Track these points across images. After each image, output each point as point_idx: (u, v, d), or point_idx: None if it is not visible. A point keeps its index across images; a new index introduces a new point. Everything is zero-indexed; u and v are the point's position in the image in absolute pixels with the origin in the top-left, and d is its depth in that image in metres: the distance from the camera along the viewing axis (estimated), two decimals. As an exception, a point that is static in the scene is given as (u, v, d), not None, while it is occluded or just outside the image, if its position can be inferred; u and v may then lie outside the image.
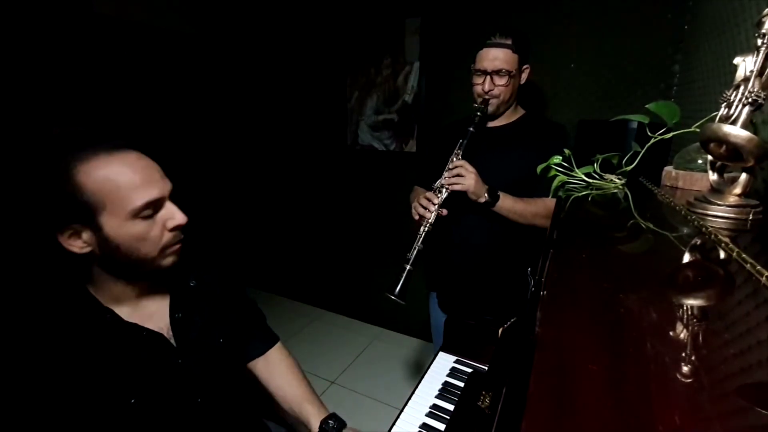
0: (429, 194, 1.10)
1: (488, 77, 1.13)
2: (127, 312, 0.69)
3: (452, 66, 1.97)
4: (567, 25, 1.66)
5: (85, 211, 0.58)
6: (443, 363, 1.04)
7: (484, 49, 1.12)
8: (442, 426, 0.84)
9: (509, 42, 1.11)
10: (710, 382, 0.23)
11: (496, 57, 1.11)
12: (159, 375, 0.69)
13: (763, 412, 0.20)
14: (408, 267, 1.05)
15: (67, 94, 1.79)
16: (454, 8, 1.90)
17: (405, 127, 2.18)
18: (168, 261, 0.67)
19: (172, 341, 0.72)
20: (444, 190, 1.09)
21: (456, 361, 1.04)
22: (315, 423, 0.81)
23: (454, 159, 1.12)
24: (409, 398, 0.92)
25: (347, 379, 2.04)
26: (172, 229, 0.64)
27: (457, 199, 1.11)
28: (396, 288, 1.03)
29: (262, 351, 0.92)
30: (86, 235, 0.60)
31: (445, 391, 0.94)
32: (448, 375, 0.99)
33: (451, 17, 1.92)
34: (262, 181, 2.75)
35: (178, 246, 0.67)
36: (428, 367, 1.03)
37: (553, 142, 1.11)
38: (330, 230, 2.58)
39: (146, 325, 0.69)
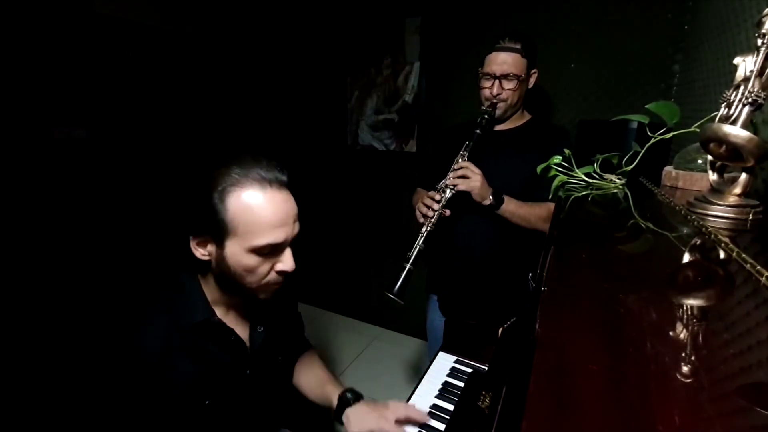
0: (432, 193, 1.10)
1: (497, 81, 1.12)
2: (221, 316, 0.72)
3: (452, 66, 1.97)
4: (567, 25, 1.66)
5: (219, 228, 0.61)
6: (443, 363, 1.04)
7: (493, 53, 1.12)
8: (442, 426, 0.83)
9: (518, 46, 1.11)
10: (710, 382, 0.23)
11: (504, 61, 1.11)
12: (232, 381, 0.72)
13: (763, 412, 0.20)
14: (408, 266, 1.04)
15: (66, 94, 1.79)
16: (454, 8, 1.90)
17: (405, 127, 2.18)
18: (263, 296, 0.69)
19: (249, 351, 0.76)
20: (448, 190, 1.09)
21: (456, 361, 1.04)
22: (335, 398, 0.84)
23: (460, 160, 1.11)
24: (409, 398, 0.92)
25: (347, 379, 2.04)
26: (278, 272, 0.66)
27: (460, 202, 1.10)
28: (395, 287, 1.02)
29: (297, 358, 0.96)
30: (210, 247, 0.65)
31: (445, 391, 0.94)
32: (448, 375, 0.99)
33: (451, 17, 1.92)
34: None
35: (276, 287, 0.69)
36: (428, 367, 1.02)
37: (557, 147, 1.10)
38: (330, 230, 2.58)
39: (237, 332, 0.73)
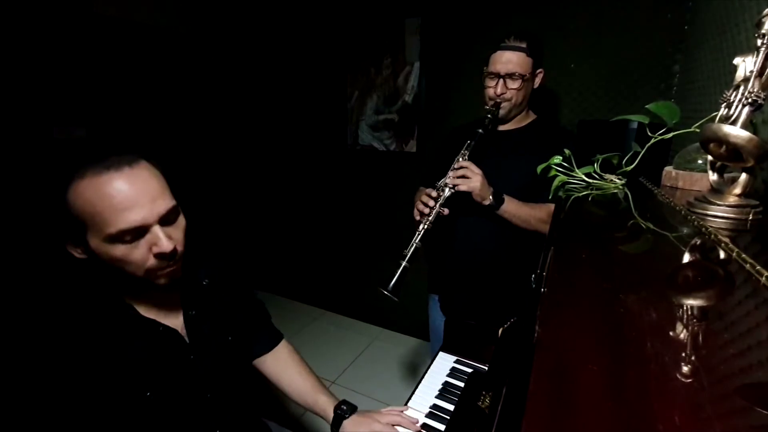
0: (430, 191, 1.09)
1: (501, 80, 1.11)
2: (144, 308, 0.71)
3: (452, 66, 1.97)
4: (567, 25, 1.66)
5: (75, 226, 0.59)
6: (443, 363, 1.04)
7: (498, 52, 1.11)
8: (442, 426, 0.84)
9: (524, 45, 1.10)
10: (710, 382, 0.23)
11: (509, 60, 1.10)
12: (173, 370, 0.71)
13: (763, 412, 0.20)
14: (403, 263, 1.03)
15: (66, 94, 1.79)
16: (454, 8, 1.90)
17: (405, 127, 2.18)
18: (159, 282, 0.65)
19: (186, 338, 0.75)
20: (447, 189, 1.08)
21: (456, 361, 1.04)
22: (329, 409, 0.86)
23: (460, 159, 1.11)
24: (409, 398, 0.92)
25: (347, 379, 2.04)
26: (157, 255, 0.61)
27: (461, 202, 1.10)
28: (389, 283, 1.01)
29: (268, 348, 0.95)
30: (80, 248, 0.62)
31: (445, 391, 0.94)
32: (448, 375, 0.99)
33: (451, 17, 1.92)
34: (262, 181, 2.75)
35: (168, 270, 0.64)
36: (428, 367, 1.02)
37: (561, 149, 1.10)
38: (330, 230, 2.58)
39: (163, 322, 0.71)
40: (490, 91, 1.14)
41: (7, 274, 1.61)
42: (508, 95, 1.13)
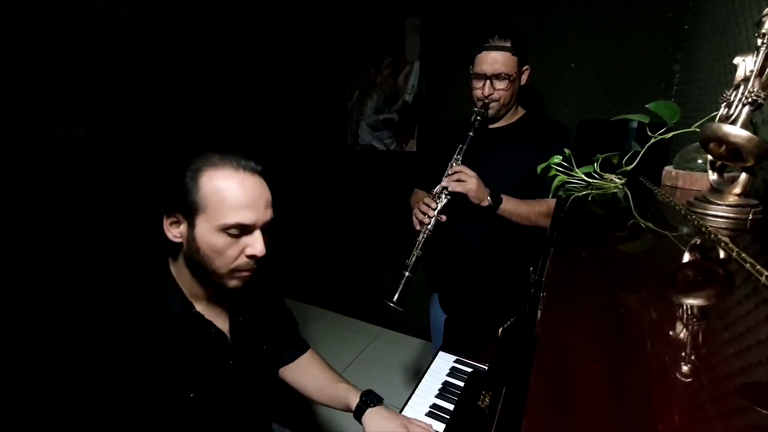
0: (428, 200, 1.09)
1: (488, 81, 1.11)
2: (200, 308, 0.72)
3: (452, 66, 1.97)
4: (567, 25, 1.66)
5: (191, 207, 0.63)
6: (443, 363, 1.04)
7: (483, 53, 1.10)
8: (442, 426, 0.84)
9: (508, 44, 1.09)
10: (710, 382, 0.23)
11: (495, 60, 1.09)
12: (214, 373, 0.73)
13: (763, 411, 0.20)
14: (407, 274, 1.05)
15: (66, 94, 1.79)
16: (454, 8, 1.90)
17: (405, 126, 2.18)
18: (233, 283, 0.69)
19: (230, 342, 0.76)
20: (443, 196, 1.09)
21: (456, 361, 1.04)
22: (353, 398, 0.83)
23: (454, 164, 1.11)
24: (409, 398, 0.92)
25: (347, 378, 2.03)
26: (248, 257, 0.66)
27: (459, 203, 1.10)
28: (395, 295, 1.03)
29: (294, 357, 0.95)
30: (183, 227, 0.66)
31: (445, 391, 0.94)
32: (448, 375, 0.99)
33: (451, 17, 1.92)
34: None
35: (247, 273, 0.69)
36: (428, 367, 1.02)
37: (554, 141, 1.11)
38: (330, 230, 2.58)
39: (215, 323, 0.73)
40: (478, 92, 1.14)
41: (18, 270, 1.61)
42: (495, 96, 1.12)
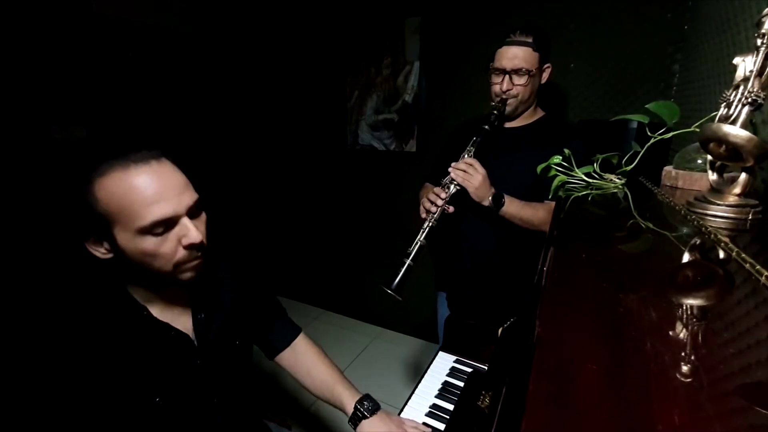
0: (437, 189, 1.08)
1: (507, 76, 1.09)
2: (157, 311, 0.70)
3: (452, 66, 1.97)
4: (567, 25, 1.66)
5: (100, 223, 0.59)
6: (443, 363, 1.04)
7: (504, 47, 1.09)
8: (441, 426, 0.84)
9: (530, 40, 1.07)
10: (710, 382, 0.23)
11: (515, 55, 1.07)
12: (181, 375, 0.71)
13: (763, 411, 0.20)
14: (408, 261, 1.01)
15: (66, 94, 1.78)
16: (454, 8, 1.90)
17: (405, 126, 2.18)
18: (185, 276, 0.65)
19: (195, 342, 0.74)
20: (452, 186, 1.07)
21: (456, 361, 1.04)
22: (349, 403, 0.81)
23: (466, 156, 1.09)
24: (409, 398, 0.92)
25: (347, 378, 2.04)
26: (187, 247, 0.62)
27: (465, 202, 1.09)
28: (393, 282, 0.99)
29: (289, 341, 0.92)
30: (106, 244, 0.62)
31: (444, 391, 0.94)
32: (448, 375, 0.99)
33: (451, 17, 1.92)
34: (261, 181, 2.75)
35: (196, 262, 0.65)
36: (428, 367, 1.02)
37: (572, 145, 1.09)
38: (330, 230, 2.58)
39: (173, 325, 0.70)
40: (496, 88, 1.12)
41: (15, 275, 1.61)
42: (514, 91, 1.10)
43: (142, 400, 0.66)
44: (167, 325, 0.69)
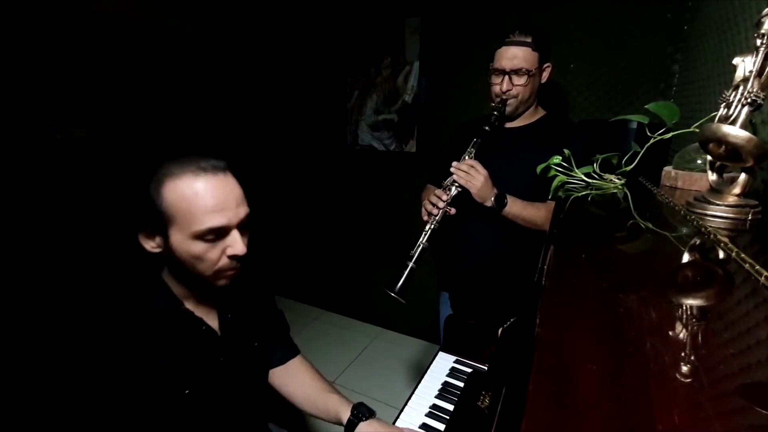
0: (439, 192, 1.08)
1: (506, 77, 1.09)
2: (190, 306, 0.73)
3: (452, 66, 1.97)
4: (567, 25, 1.66)
5: (159, 219, 0.63)
6: (443, 363, 1.04)
7: (503, 47, 1.09)
8: (441, 426, 0.84)
9: (529, 40, 1.07)
10: (710, 382, 0.23)
11: (515, 55, 1.07)
12: (206, 370, 0.73)
13: (763, 411, 0.20)
14: (411, 264, 1.01)
15: (66, 94, 1.78)
16: (454, 8, 1.90)
17: (405, 127, 2.18)
18: (220, 282, 0.70)
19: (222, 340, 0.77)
20: (453, 187, 1.07)
21: (456, 361, 1.04)
22: (344, 410, 0.81)
23: (467, 157, 1.09)
24: (409, 398, 0.92)
25: (347, 379, 2.04)
26: (230, 257, 0.66)
27: (467, 203, 1.09)
28: (396, 285, 0.98)
29: (282, 360, 0.94)
30: (158, 239, 0.66)
31: (444, 391, 0.94)
32: (448, 375, 0.99)
33: (451, 17, 1.92)
34: (261, 181, 2.75)
35: (232, 272, 0.69)
36: (428, 367, 1.02)
37: (573, 145, 1.09)
38: (330, 230, 2.58)
39: (206, 320, 0.74)
40: (496, 88, 1.12)
41: (15, 274, 1.61)
42: (514, 92, 1.11)
43: (174, 390, 0.69)
44: (201, 320, 0.73)
